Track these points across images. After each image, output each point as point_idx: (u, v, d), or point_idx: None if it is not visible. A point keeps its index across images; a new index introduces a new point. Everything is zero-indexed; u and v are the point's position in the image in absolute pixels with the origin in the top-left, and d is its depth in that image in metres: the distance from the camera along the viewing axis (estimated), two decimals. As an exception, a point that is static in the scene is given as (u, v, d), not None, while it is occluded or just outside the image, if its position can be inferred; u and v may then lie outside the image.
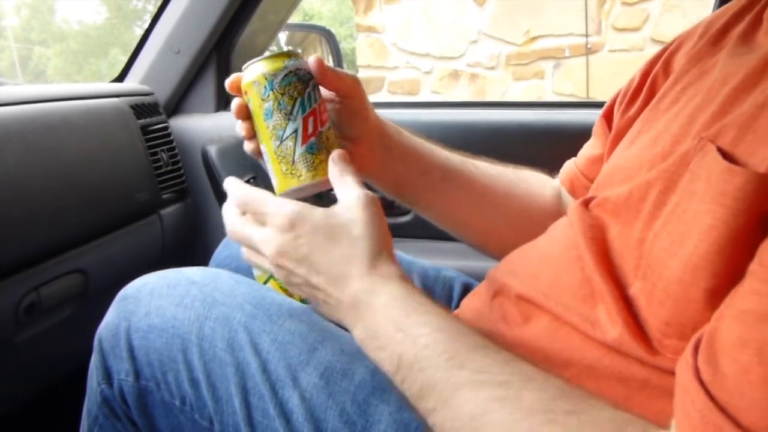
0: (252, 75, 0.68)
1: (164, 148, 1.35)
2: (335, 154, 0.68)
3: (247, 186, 0.68)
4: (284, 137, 0.67)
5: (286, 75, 0.67)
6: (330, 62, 3.43)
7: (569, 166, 0.96)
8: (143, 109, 1.33)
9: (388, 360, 0.59)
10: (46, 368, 1.12)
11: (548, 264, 0.75)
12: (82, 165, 1.11)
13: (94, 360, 0.80)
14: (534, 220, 0.91)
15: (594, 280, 0.65)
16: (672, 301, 0.55)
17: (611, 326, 0.61)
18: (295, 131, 0.67)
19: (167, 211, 1.35)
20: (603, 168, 0.82)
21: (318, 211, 0.63)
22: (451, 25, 4.29)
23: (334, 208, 0.64)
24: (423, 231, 1.35)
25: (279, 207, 0.64)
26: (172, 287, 0.78)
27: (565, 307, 0.67)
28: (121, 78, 1.50)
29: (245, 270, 0.92)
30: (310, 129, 0.68)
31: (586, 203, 0.75)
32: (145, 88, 1.40)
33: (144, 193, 1.27)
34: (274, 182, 0.70)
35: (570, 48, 4.07)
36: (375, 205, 0.64)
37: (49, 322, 1.06)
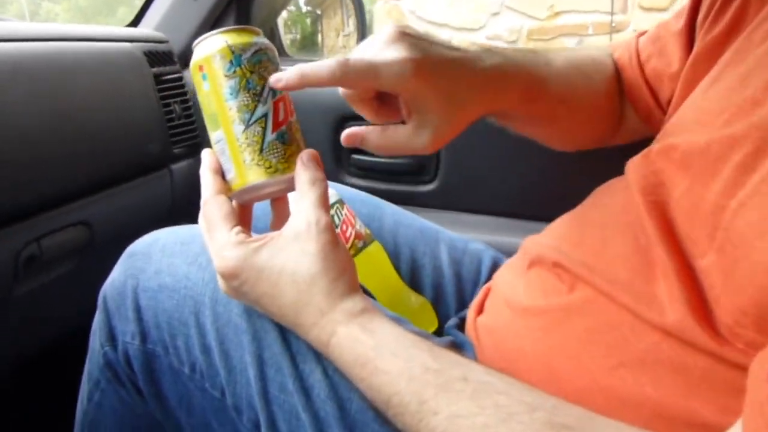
0: (213, 47, 0.59)
1: (177, 99, 1.28)
2: (307, 153, 0.61)
3: (210, 185, 0.62)
4: (251, 120, 0.59)
5: (256, 51, 0.60)
6: (351, 27, 3.33)
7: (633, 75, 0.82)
8: (157, 56, 1.25)
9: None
10: (46, 325, 1.06)
11: (594, 229, 0.68)
12: (91, 111, 1.04)
13: (98, 319, 0.74)
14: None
15: (652, 249, 0.57)
16: (755, 289, 0.47)
17: (671, 306, 0.53)
18: (266, 115, 0.59)
19: (178, 166, 1.28)
20: (674, 105, 0.71)
21: (262, 255, 0.58)
22: (473, -5, 4.18)
23: (280, 241, 0.58)
24: (447, 201, 1.28)
25: (220, 250, 0.59)
26: (185, 244, 0.72)
27: (613, 281, 0.60)
28: (134, 23, 1.42)
29: (263, 230, 0.85)
30: (281, 115, 0.60)
31: (648, 154, 0.66)
32: (159, 35, 1.32)
33: (155, 145, 1.20)
34: (231, 175, 0.61)
35: (593, 26, 3.97)
36: (329, 232, 0.58)
37: (50, 275, 1.00)
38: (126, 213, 1.13)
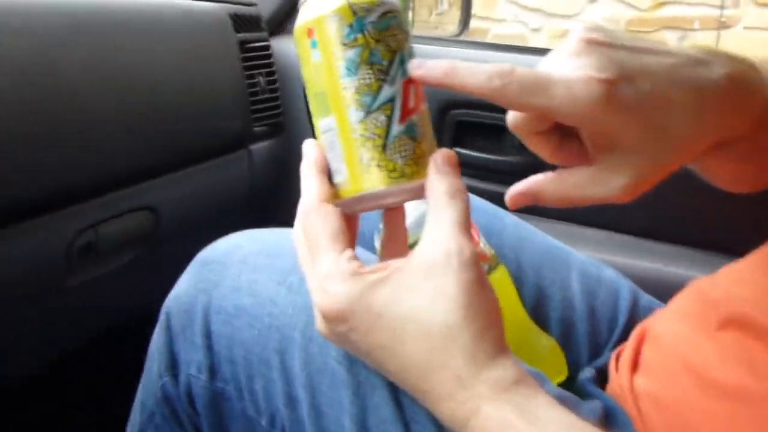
0: (328, 4, 0.44)
1: (263, 71, 1.12)
2: (442, 155, 0.44)
3: (315, 189, 0.45)
4: (374, 106, 0.43)
5: (384, 14, 0.44)
6: (444, 5, 3.13)
7: None
8: (244, 21, 1.10)
9: None
10: (97, 317, 0.93)
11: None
12: (164, 79, 0.89)
13: (158, 340, 0.59)
14: None
15: None
16: None
17: None
18: (392, 99, 0.43)
19: (258, 146, 1.13)
20: None
21: (382, 294, 0.41)
22: (570, -21, 3.93)
23: (407, 276, 0.42)
24: (564, 210, 1.09)
25: (325, 281, 0.43)
26: (272, 257, 0.56)
27: None
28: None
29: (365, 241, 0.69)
30: (412, 101, 0.44)
31: None
32: (248, -5, 1.17)
33: (235, 122, 1.05)
34: (342, 177, 0.46)
35: (700, 20, 3.66)
36: (475, 268, 0.41)
37: (108, 266, 0.86)
38: (197, 198, 0.99)
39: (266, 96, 1.12)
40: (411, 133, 0.44)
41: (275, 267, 0.55)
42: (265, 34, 1.15)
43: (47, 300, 0.80)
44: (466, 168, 1.14)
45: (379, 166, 0.43)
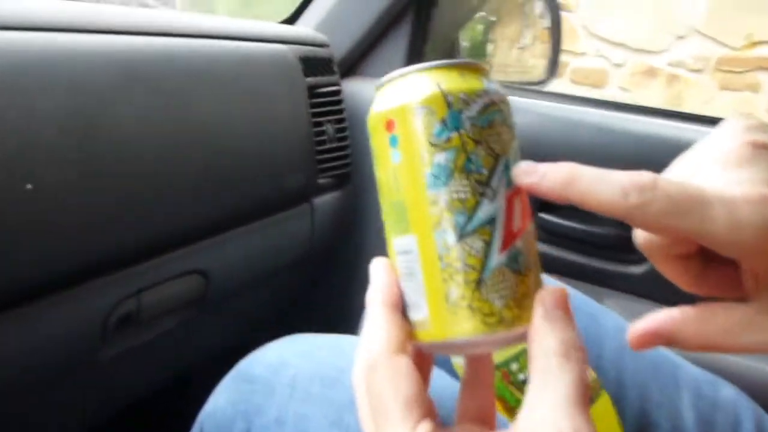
0: (415, 92, 0.34)
1: (332, 118, 1.03)
2: (552, 296, 0.34)
3: (384, 333, 0.34)
4: (469, 228, 0.33)
5: (486, 107, 0.34)
6: (527, 39, 3.02)
7: None
8: (315, 63, 1.01)
9: None
10: (128, 389, 0.84)
11: None
12: (224, 130, 0.81)
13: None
14: None
15: None
16: None
17: None
18: (493, 220, 0.33)
19: (322, 199, 1.03)
20: None
21: None
22: (658, 14, 3.74)
23: None
24: (660, 291, 0.96)
25: None
26: (328, 384, 0.46)
27: None
28: (291, 20, 1.19)
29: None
30: (517, 221, 0.34)
31: None
32: (320, 36, 1.08)
33: (299, 174, 0.96)
34: (421, 315, 0.35)
35: (798, 60, 3.44)
36: None
37: (148, 335, 0.78)
38: (252, 258, 0.90)
39: (334, 145, 1.03)
40: (514, 264, 0.33)
41: (329, 400, 0.45)
42: (336, 77, 1.06)
43: (74, 376, 0.72)
44: (549, 235, 1.03)
45: (471, 307, 0.33)
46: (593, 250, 1.00)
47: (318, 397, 0.46)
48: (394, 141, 0.34)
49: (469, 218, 0.33)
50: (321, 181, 1.02)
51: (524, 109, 1.06)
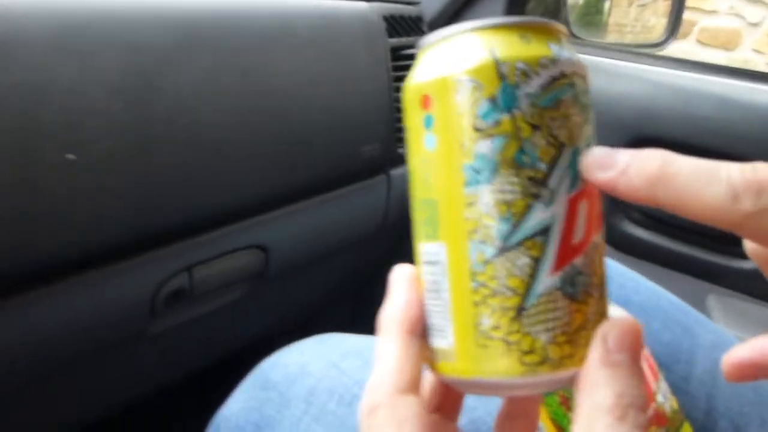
0: (462, 61, 0.27)
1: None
2: (617, 332, 0.26)
3: (393, 366, 0.28)
4: (514, 239, 0.26)
5: (554, 81, 0.26)
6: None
7: None
8: (401, 23, 0.94)
9: None
10: (180, 365, 0.82)
11: None
12: (294, 94, 0.75)
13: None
14: None
15: None
16: None
17: None
18: (547, 230, 0.26)
19: (400, 171, 0.97)
20: None
21: None
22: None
23: None
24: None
25: None
26: (346, 402, 0.41)
27: None
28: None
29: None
30: (579, 233, 0.26)
31: None
32: (410, -7, 1.00)
33: (375, 145, 0.89)
34: (445, 342, 0.28)
35: None
36: None
37: (201, 310, 0.75)
38: (319, 233, 0.85)
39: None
40: (569, 288, 0.26)
41: (343, 421, 0.40)
42: (423, 38, 0.98)
43: (124, 349, 0.70)
44: (649, 220, 0.92)
45: (507, 342, 0.26)
46: (699, 239, 0.89)
47: (333, 416, 0.41)
48: (429, 122, 0.27)
49: (515, 226, 0.25)
50: (400, 151, 0.95)
51: (635, 76, 0.95)
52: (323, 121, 0.79)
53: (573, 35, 1.16)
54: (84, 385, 0.69)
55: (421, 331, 0.28)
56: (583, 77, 0.27)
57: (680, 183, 0.24)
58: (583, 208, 0.26)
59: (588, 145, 0.26)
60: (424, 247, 0.28)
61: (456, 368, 0.27)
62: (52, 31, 0.56)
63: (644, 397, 0.25)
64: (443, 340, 0.27)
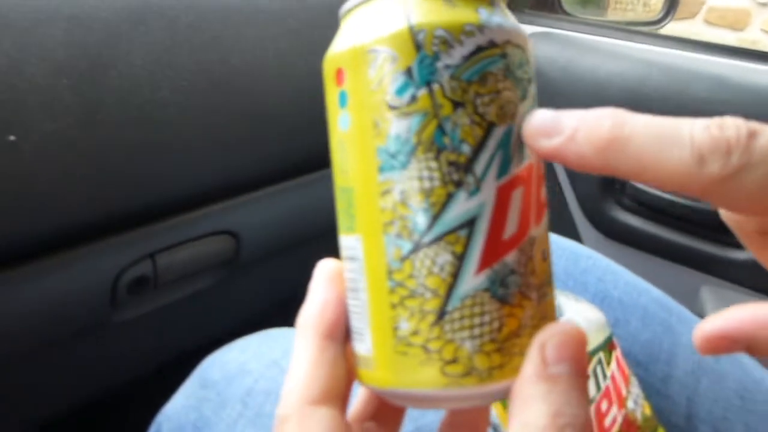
0: (376, 29, 0.23)
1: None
2: (559, 337, 0.22)
3: (304, 372, 0.25)
4: (433, 233, 0.22)
5: (481, 50, 0.22)
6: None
7: None
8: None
9: None
10: (148, 357, 0.79)
11: None
12: (261, 72, 0.71)
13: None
14: None
15: None
16: None
17: None
18: (471, 221, 0.22)
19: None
20: None
21: None
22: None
23: None
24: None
25: None
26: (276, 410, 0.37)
27: None
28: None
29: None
30: (512, 226, 0.23)
31: None
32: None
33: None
34: (364, 347, 0.24)
35: None
36: None
37: (165, 300, 0.72)
38: (292, 219, 0.81)
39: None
40: (500, 289, 0.22)
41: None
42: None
43: (86, 340, 0.66)
44: (640, 206, 0.88)
45: (426, 349, 0.22)
46: (693, 227, 0.85)
47: (268, 419, 0.38)
48: (343, 99, 0.24)
49: (435, 219, 0.22)
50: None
51: (625, 54, 0.90)
52: (293, 100, 0.75)
53: (564, 12, 1.11)
54: (43, 379, 0.67)
55: (341, 335, 0.25)
56: (521, 47, 0.24)
57: (636, 147, 0.20)
58: (517, 196, 0.22)
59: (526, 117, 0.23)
60: (343, 241, 0.25)
61: (375, 377, 0.24)
62: (-13, 4, 0.52)
63: (585, 417, 0.21)
64: (362, 345, 0.24)
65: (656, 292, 0.57)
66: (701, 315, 0.79)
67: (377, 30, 0.22)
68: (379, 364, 0.23)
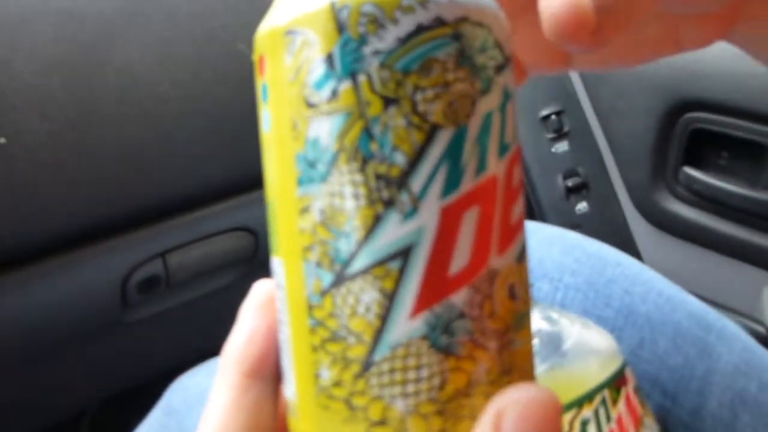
0: (292, 8, 0.18)
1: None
2: (523, 410, 0.17)
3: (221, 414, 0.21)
4: (355, 265, 0.17)
5: (421, 31, 0.17)
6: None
7: None
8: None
9: None
10: (163, 357, 0.78)
11: None
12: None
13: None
14: None
15: None
16: None
17: None
18: (405, 252, 0.17)
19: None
20: None
21: None
22: None
23: None
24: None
25: None
26: None
27: None
28: None
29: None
30: (462, 256, 0.18)
31: None
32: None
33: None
34: (291, 393, 0.19)
35: None
36: None
37: (179, 299, 0.70)
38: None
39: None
40: (442, 337, 0.18)
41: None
42: None
43: (97, 340, 0.66)
44: (695, 195, 0.80)
45: (350, 406, 0.18)
46: (756, 221, 0.76)
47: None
48: (264, 93, 0.19)
49: (359, 246, 0.17)
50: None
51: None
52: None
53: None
54: (54, 379, 0.66)
55: (269, 373, 0.21)
56: (484, 26, 0.18)
57: None
58: (469, 219, 0.17)
59: (486, 127, 0.18)
60: (272, 263, 0.20)
61: (299, 429, 0.19)
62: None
63: None
64: (289, 389, 0.20)
65: (694, 305, 0.50)
66: (762, 319, 0.71)
67: (297, 7, 0.18)
68: (302, 415, 0.19)
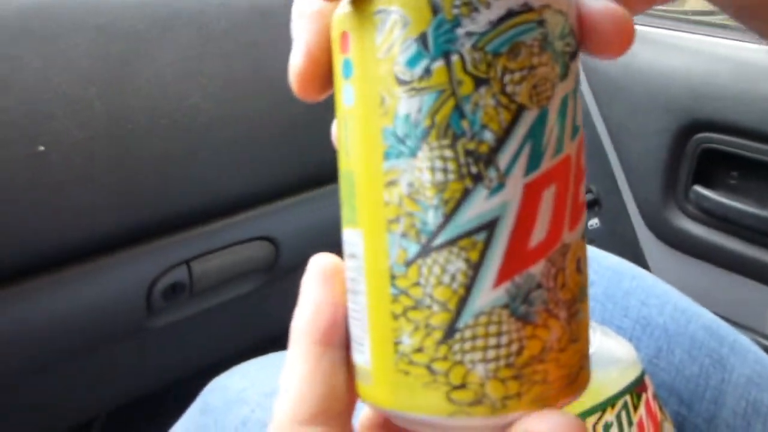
0: None
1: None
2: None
3: (297, 386, 0.21)
4: (442, 236, 0.18)
5: (512, 16, 0.18)
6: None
7: None
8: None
9: None
10: (185, 362, 0.79)
11: None
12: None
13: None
14: None
15: None
16: None
17: None
18: (491, 224, 0.18)
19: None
20: None
21: None
22: None
23: None
24: None
25: None
26: None
27: None
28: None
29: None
30: (541, 231, 0.19)
31: None
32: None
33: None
34: (363, 360, 0.20)
35: None
36: None
37: (202, 306, 0.71)
38: (333, 224, 0.80)
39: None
40: (522, 306, 0.19)
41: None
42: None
43: (122, 345, 0.67)
44: (705, 214, 0.82)
45: (432, 371, 0.19)
46: (765, 239, 0.78)
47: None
48: (347, 69, 0.20)
49: (447, 218, 0.18)
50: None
51: (690, 47, 0.84)
52: (330, 104, 0.73)
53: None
54: (79, 382, 0.68)
55: (340, 341, 0.21)
56: (563, 13, 0.19)
57: None
58: (548, 196, 0.19)
59: (563, 109, 0.19)
60: (345, 235, 0.21)
61: (373, 395, 0.20)
62: (12, 15, 0.52)
63: None
64: (361, 356, 0.21)
65: (708, 318, 0.51)
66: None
67: None
68: (378, 381, 0.20)
